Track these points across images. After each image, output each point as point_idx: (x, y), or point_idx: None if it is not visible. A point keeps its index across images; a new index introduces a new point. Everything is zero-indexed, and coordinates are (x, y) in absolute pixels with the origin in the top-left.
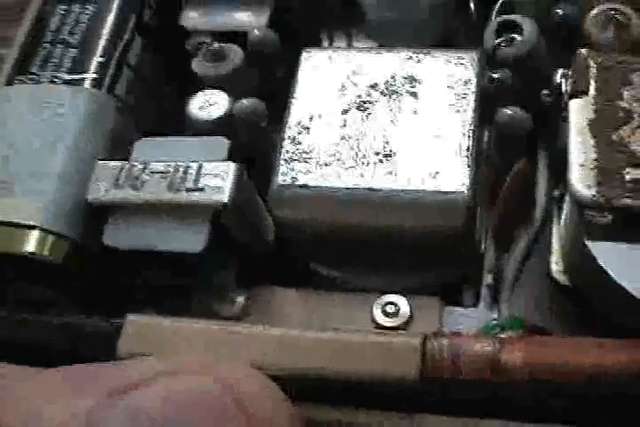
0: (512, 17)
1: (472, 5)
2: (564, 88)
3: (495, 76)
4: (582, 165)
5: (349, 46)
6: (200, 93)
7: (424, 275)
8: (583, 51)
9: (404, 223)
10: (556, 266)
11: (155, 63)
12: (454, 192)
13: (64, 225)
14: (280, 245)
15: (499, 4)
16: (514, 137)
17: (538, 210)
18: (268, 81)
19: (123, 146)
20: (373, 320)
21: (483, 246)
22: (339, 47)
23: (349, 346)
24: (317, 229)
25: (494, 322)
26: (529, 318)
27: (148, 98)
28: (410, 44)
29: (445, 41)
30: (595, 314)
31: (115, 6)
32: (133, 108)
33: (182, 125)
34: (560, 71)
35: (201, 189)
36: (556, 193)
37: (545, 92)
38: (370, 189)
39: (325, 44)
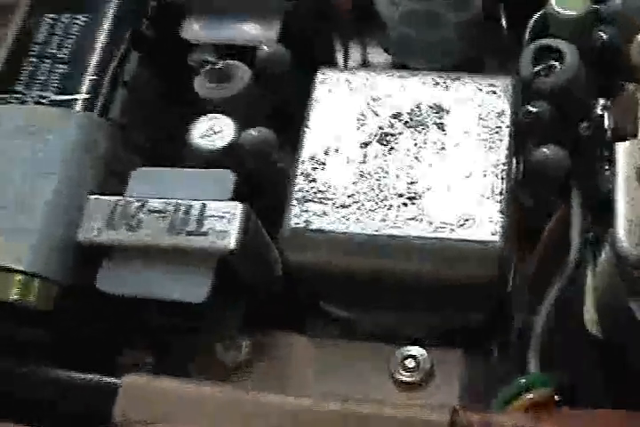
0: (551, 42)
1: (503, 22)
2: (606, 122)
3: (532, 109)
4: (630, 221)
5: (365, 61)
6: (203, 119)
7: (445, 318)
8: (631, 86)
9: (430, 273)
10: (588, 315)
11: (152, 80)
12: (487, 242)
13: (51, 267)
14: (288, 281)
15: (532, 21)
16: (550, 177)
17: (572, 252)
18: (277, 102)
19: (116, 173)
20: (391, 375)
21: (510, 285)
22: (356, 68)
23: (373, 421)
24: (332, 273)
25: (522, 381)
26: (558, 371)
27: (145, 118)
28: (433, 63)
29: (473, 60)
30: (628, 367)
31: (109, 16)
32: (128, 131)
33: (182, 149)
34: (601, 102)
35: (204, 234)
36: (591, 235)
37: (584, 125)
38: (392, 237)
39: (339, 57)
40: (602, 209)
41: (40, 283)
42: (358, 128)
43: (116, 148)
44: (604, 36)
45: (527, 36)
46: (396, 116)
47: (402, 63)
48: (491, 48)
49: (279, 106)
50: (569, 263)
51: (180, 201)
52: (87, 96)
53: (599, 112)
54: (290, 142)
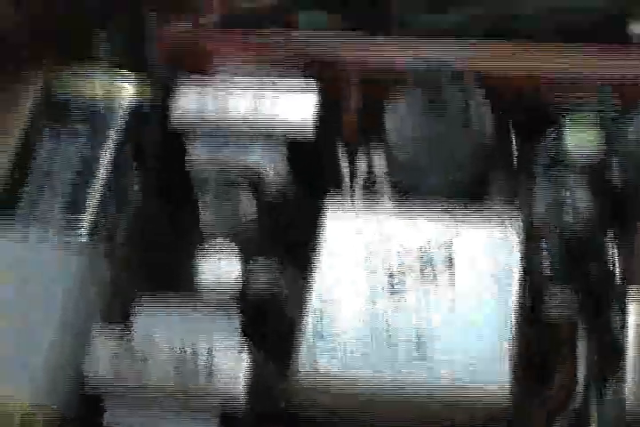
0: (562, 182)
1: (513, 139)
2: (617, 269)
3: (544, 254)
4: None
5: (373, 183)
6: (209, 258)
7: None
8: None
9: (438, 418)
10: None
11: (157, 202)
12: (496, 390)
13: (55, 400)
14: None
15: (542, 149)
16: (558, 318)
17: (577, 394)
18: (284, 226)
19: (120, 295)
20: None
21: None
22: (365, 202)
23: None
24: (338, 413)
25: None
26: None
27: (150, 242)
28: (441, 189)
29: (482, 178)
30: None
31: (111, 136)
32: (133, 254)
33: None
34: (615, 246)
35: (211, 379)
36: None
37: (594, 269)
38: (399, 381)
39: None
40: (611, 350)
41: (44, 416)
42: (367, 267)
43: (120, 272)
44: (618, 171)
45: (537, 168)
46: (405, 255)
47: (409, 185)
48: (501, 164)
49: (286, 230)
50: (574, 403)
51: (186, 342)
52: (90, 222)
53: (610, 253)
54: (297, 267)
